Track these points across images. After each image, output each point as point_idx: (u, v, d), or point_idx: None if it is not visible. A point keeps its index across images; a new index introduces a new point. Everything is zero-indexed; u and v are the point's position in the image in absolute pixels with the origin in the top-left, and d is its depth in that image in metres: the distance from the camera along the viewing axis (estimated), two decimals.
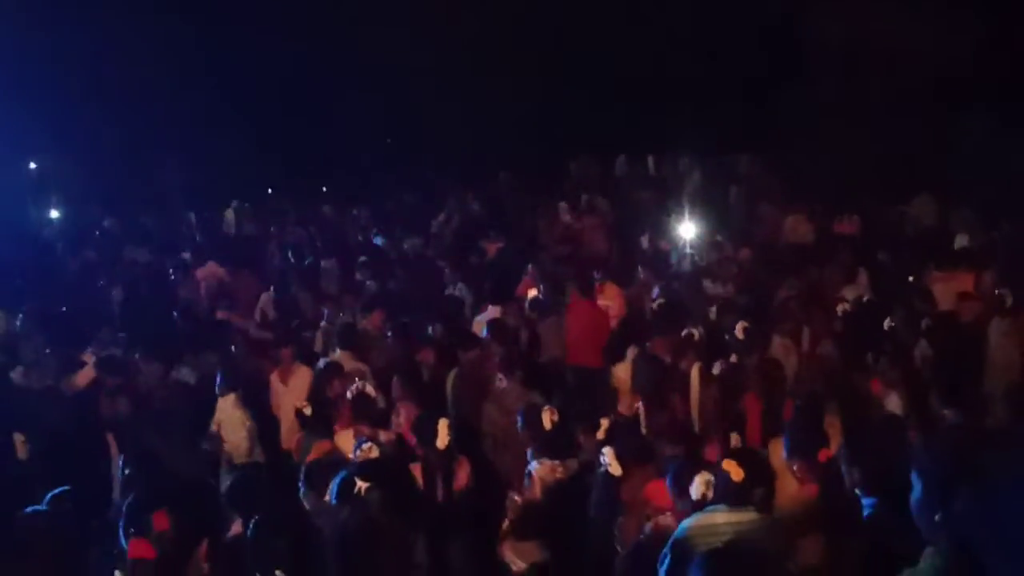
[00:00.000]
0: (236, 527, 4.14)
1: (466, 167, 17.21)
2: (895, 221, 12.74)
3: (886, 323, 8.35)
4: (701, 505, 4.61)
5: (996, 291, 8.55)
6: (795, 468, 5.00)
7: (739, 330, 7.81)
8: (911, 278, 9.85)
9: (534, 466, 5.58)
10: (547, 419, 6.12)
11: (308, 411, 6.63)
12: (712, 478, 4.65)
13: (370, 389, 6.83)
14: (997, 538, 2.32)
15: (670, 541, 4.46)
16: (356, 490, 3.84)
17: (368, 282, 11.59)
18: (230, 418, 7.72)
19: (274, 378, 8.70)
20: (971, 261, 9.99)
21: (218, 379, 7.87)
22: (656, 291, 10.22)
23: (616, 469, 5.23)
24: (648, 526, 4.73)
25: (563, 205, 15.03)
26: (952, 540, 2.43)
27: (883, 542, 4.08)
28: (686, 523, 4.51)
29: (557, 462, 5.60)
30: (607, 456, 5.26)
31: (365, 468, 4.30)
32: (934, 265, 9.88)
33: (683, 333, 8.06)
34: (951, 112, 14.20)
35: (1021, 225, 11.76)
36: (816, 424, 5.79)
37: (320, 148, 17.38)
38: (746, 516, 4.47)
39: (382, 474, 3.41)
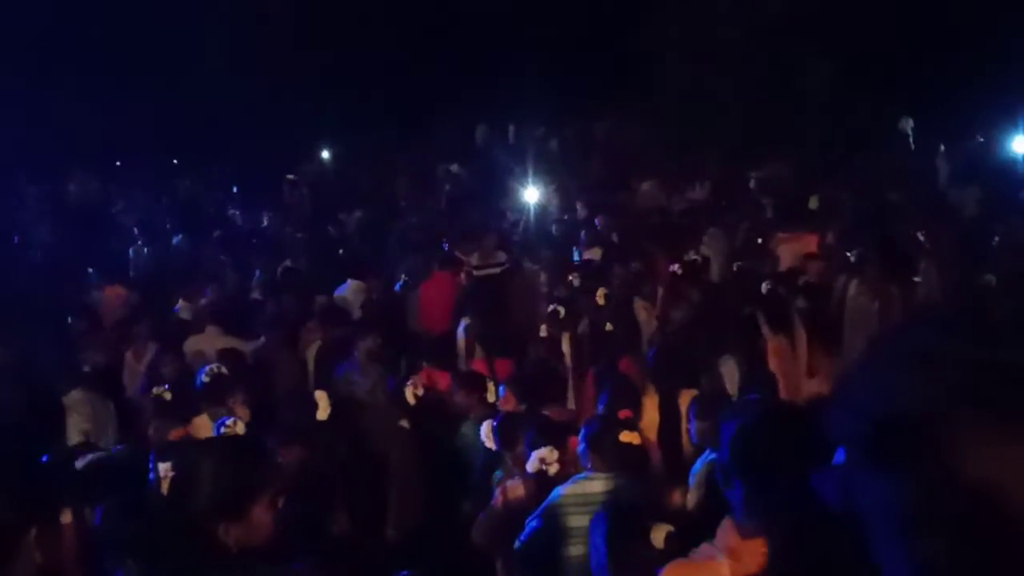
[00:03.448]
0: (66, 516, 3.98)
1: (317, 135, 16.91)
2: (746, 185, 13.09)
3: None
4: (541, 481, 4.66)
5: (845, 251, 8.86)
6: None
7: (599, 296, 8.00)
8: (760, 240, 10.14)
9: None
10: (410, 395, 6.18)
11: (167, 396, 6.39)
12: (553, 453, 4.70)
13: (225, 371, 6.65)
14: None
15: (543, 507, 4.49)
16: (158, 475, 3.74)
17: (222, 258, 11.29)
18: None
19: (128, 356, 8.40)
20: (815, 222, 10.36)
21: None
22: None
23: (491, 443, 5.31)
24: (497, 492, 4.76)
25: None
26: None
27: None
28: (560, 490, 4.52)
29: None
30: (484, 431, 5.33)
31: (171, 451, 4.19)
32: (780, 227, 10.20)
33: (549, 308, 8.18)
34: (801, 69, 14.67)
35: (869, 184, 12.25)
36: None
37: (173, 115, 16.64)
38: (620, 482, 4.54)
39: (191, 457, 3.27)
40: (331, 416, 5.69)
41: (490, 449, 5.35)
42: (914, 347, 0.95)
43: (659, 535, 3.40)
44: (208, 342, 8.18)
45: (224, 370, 6.60)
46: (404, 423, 6.25)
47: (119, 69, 16.57)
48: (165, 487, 3.99)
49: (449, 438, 6.17)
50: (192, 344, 8.28)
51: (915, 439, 0.90)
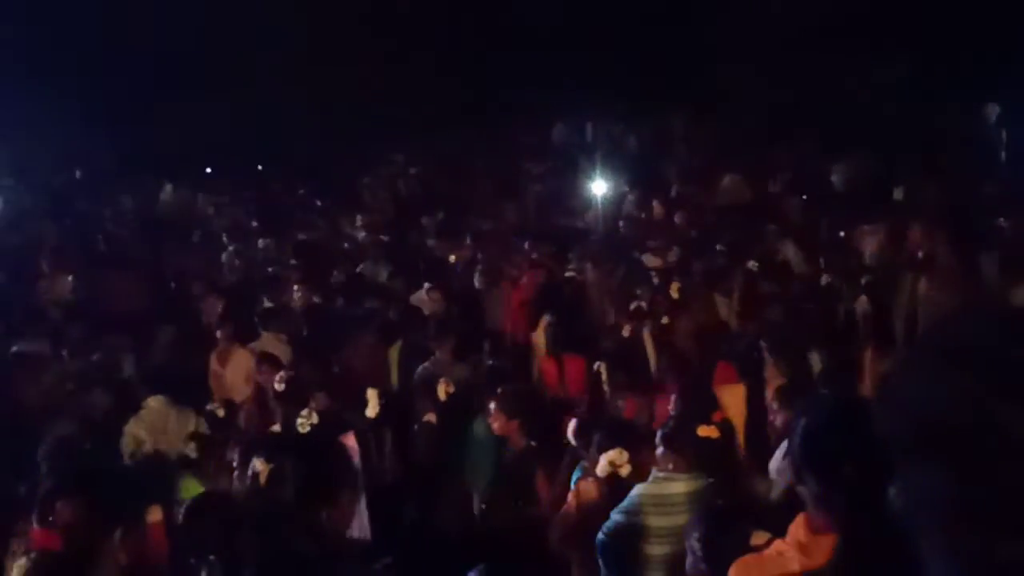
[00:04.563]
0: (156, 514, 4.11)
1: (395, 139, 17.09)
2: (827, 176, 12.86)
3: (823, 279, 8.51)
4: (613, 481, 4.63)
5: (919, 246, 8.62)
6: None
7: (673, 290, 7.97)
8: (842, 233, 9.94)
9: None
10: (442, 391, 6.23)
11: (221, 412, 6.56)
12: (622, 455, 4.66)
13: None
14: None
15: (621, 507, 4.46)
16: (254, 471, 3.85)
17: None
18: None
19: (213, 360, 8.52)
20: (899, 214, 10.09)
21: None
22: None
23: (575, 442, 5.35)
24: (570, 494, 4.76)
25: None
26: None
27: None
28: (639, 490, 4.49)
29: None
30: (570, 430, 5.38)
31: (263, 447, 4.30)
32: (863, 220, 9.97)
33: (632, 305, 8.16)
34: (881, 61, 14.37)
35: (949, 178, 11.91)
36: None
37: (252, 120, 17.01)
38: (700, 484, 4.50)
39: (283, 451, 3.37)
40: (381, 414, 5.81)
41: (573, 447, 5.38)
42: (956, 345, 0.96)
43: (760, 541, 3.37)
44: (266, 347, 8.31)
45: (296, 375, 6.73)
46: (431, 417, 6.29)
47: (204, 78, 17.03)
48: (263, 479, 4.11)
49: (462, 434, 6.21)
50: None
51: (954, 437, 0.91)
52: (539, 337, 8.26)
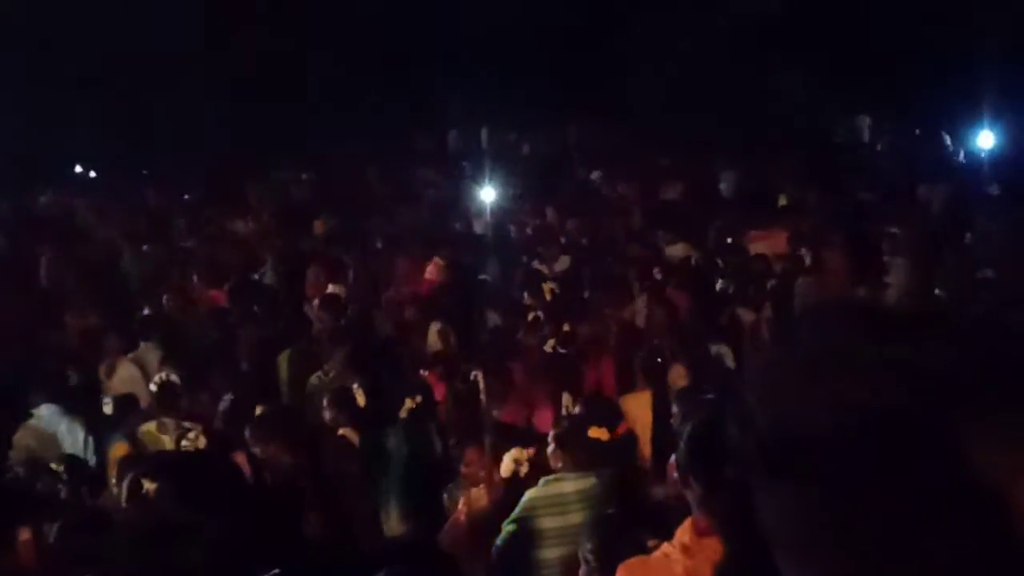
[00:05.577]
0: (25, 533, 3.93)
1: (295, 142, 16.85)
2: (716, 183, 13.13)
3: (719, 284, 8.67)
4: (512, 482, 4.62)
5: (801, 250, 8.83)
6: None
7: (546, 291, 7.97)
8: (730, 239, 10.13)
9: None
10: (360, 398, 6.14)
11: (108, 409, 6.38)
12: (524, 454, 4.67)
13: (175, 379, 6.62)
14: None
15: (513, 517, 4.46)
16: (144, 491, 3.73)
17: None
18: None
19: (101, 372, 8.26)
20: (786, 219, 10.35)
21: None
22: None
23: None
24: (460, 503, 4.74)
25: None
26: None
27: None
28: (532, 493, 4.50)
29: None
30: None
31: (153, 466, 4.17)
32: (751, 225, 10.19)
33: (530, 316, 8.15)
34: (768, 71, 14.79)
35: (838, 182, 12.28)
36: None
37: (139, 124, 16.53)
38: (591, 481, 4.52)
39: (173, 469, 3.27)
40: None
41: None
42: (815, 351, 0.88)
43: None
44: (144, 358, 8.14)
45: (174, 378, 6.60)
46: (346, 432, 6.16)
47: (84, 79, 16.48)
48: (142, 495, 3.98)
49: (376, 443, 6.13)
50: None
51: (808, 452, 0.84)
52: (432, 341, 8.19)
